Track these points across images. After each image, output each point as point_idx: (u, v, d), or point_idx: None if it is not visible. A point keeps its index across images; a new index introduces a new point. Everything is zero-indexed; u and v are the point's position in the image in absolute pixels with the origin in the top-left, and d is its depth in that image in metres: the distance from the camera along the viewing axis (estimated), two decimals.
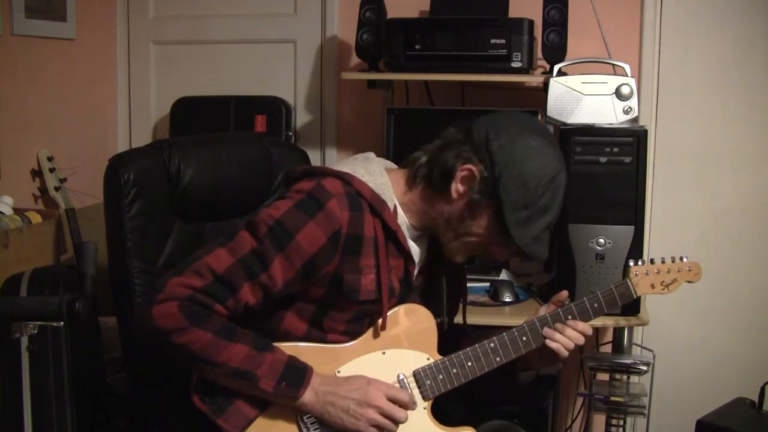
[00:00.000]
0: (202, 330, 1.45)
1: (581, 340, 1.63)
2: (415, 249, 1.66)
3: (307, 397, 1.50)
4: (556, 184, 1.54)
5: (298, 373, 1.50)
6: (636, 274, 1.67)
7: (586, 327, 1.64)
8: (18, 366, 2.09)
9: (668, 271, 1.69)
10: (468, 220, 1.56)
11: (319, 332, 1.59)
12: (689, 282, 1.71)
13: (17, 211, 2.57)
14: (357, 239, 1.54)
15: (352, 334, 1.60)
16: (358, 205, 1.55)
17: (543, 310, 1.68)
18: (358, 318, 1.59)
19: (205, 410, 1.51)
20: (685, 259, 1.70)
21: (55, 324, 2.03)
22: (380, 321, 1.61)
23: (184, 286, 1.46)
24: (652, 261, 1.69)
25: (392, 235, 1.58)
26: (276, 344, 1.57)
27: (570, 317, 1.64)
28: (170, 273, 1.50)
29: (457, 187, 1.55)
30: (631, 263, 1.69)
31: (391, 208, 1.59)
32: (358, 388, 1.52)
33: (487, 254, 1.64)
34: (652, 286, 1.68)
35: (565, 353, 1.63)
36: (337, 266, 1.54)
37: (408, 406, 1.55)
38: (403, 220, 1.62)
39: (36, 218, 2.55)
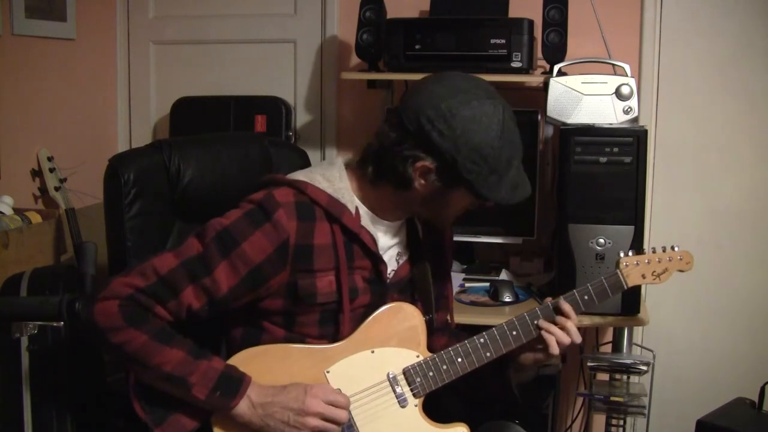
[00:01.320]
0: (137, 331, 1.45)
1: (576, 335, 1.62)
2: (391, 243, 1.66)
3: (243, 408, 1.49)
4: (508, 133, 1.50)
5: (233, 384, 1.49)
6: (626, 265, 1.68)
7: (569, 309, 1.63)
8: (18, 366, 2.09)
9: (659, 261, 1.69)
10: (443, 199, 1.56)
11: (296, 337, 1.59)
12: (681, 271, 1.71)
13: (17, 211, 2.57)
14: (307, 248, 1.54)
15: (329, 337, 1.60)
16: (309, 214, 1.55)
17: None
18: (326, 320, 1.59)
19: (145, 418, 1.51)
20: (676, 248, 1.71)
21: (55, 324, 2.04)
22: (367, 321, 1.61)
23: (127, 285, 1.47)
24: (643, 251, 1.70)
25: (355, 238, 1.58)
26: (266, 346, 1.57)
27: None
28: (118, 274, 1.51)
29: (419, 182, 1.54)
30: (621, 254, 1.69)
31: (353, 211, 1.58)
32: (295, 398, 1.50)
33: (474, 209, 1.62)
34: (643, 276, 1.69)
35: (555, 347, 1.61)
36: (290, 276, 1.54)
37: (346, 408, 1.54)
38: (370, 218, 1.62)
39: (36, 218, 2.55)
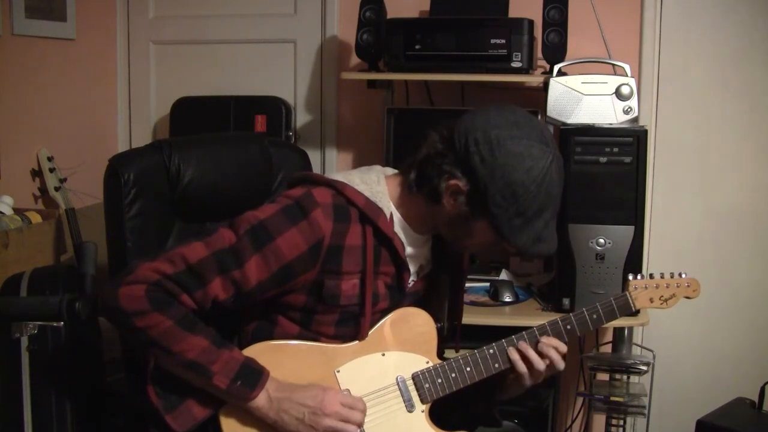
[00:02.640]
0: (162, 315, 1.44)
1: (560, 363, 1.61)
2: (415, 254, 1.65)
3: (261, 400, 1.49)
4: (548, 182, 1.48)
5: (253, 374, 1.49)
6: (635, 288, 1.68)
7: (560, 343, 1.62)
8: (18, 366, 2.09)
9: (667, 286, 1.70)
10: (467, 225, 1.55)
11: (310, 334, 1.59)
12: (687, 298, 1.72)
13: (17, 211, 2.57)
14: (338, 249, 1.54)
15: (343, 338, 1.60)
16: (345, 215, 1.55)
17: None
18: (345, 321, 1.59)
19: (157, 404, 1.50)
20: (684, 275, 1.71)
21: (55, 324, 2.04)
22: (380, 324, 1.61)
23: (155, 271, 1.46)
24: (651, 276, 1.70)
25: (387, 242, 1.58)
26: (278, 342, 1.58)
27: (569, 326, 1.64)
28: (144, 258, 1.50)
29: (448, 200, 1.54)
30: (630, 277, 1.69)
31: (388, 216, 1.58)
32: (313, 396, 1.50)
33: (495, 250, 1.62)
34: (651, 300, 1.70)
35: (526, 373, 1.60)
36: (318, 274, 1.54)
37: (363, 411, 1.54)
38: (401, 226, 1.62)
39: (36, 218, 2.55)
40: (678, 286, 1.71)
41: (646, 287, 1.69)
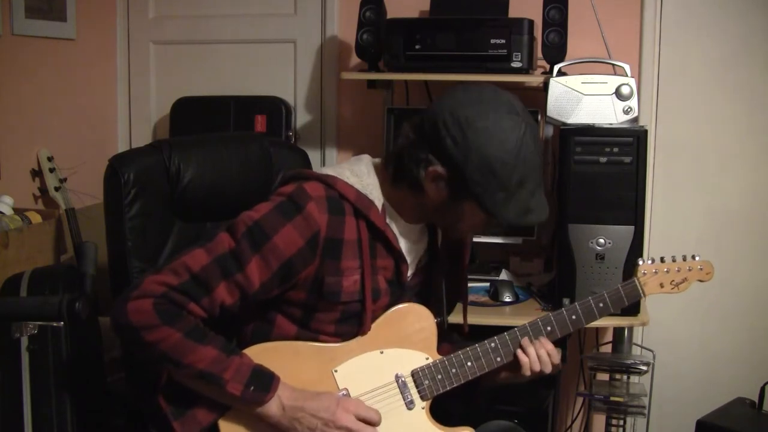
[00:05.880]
0: (172, 329, 1.44)
1: (548, 366, 1.62)
2: (409, 246, 1.65)
3: (273, 407, 1.49)
4: (524, 152, 1.47)
5: (265, 379, 1.49)
6: (644, 273, 1.63)
7: (554, 351, 1.62)
8: (18, 366, 2.09)
9: (678, 270, 1.64)
10: (455, 209, 1.55)
11: (309, 333, 1.59)
12: (701, 281, 1.65)
13: (17, 211, 2.57)
14: (337, 242, 1.54)
15: (344, 336, 1.60)
16: (339, 208, 1.55)
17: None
18: (346, 319, 1.59)
19: (166, 411, 1.52)
20: (697, 258, 1.65)
21: (55, 324, 2.04)
22: (377, 321, 1.61)
23: (160, 283, 1.46)
24: (662, 259, 1.64)
25: (380, 235, 1.58)
26: (275, 343, 1.58)
27: (574, 317, 1.63)
28: (149, 272, 1.51)
29: (430, 187, 1.53)
30: (640, 261, 1.63)
31: (379, 208, 1.58)
32: (326, 408, 1.50)
33: (489, 227, 1.60)
34: (662, 285, 1.63)
35: (528, 372, 1.61)
36: (317, 269, 1.54)
37: (377, 424, 1.54)
38: (394, 217, 1.61)
39: (36, 218, 2.55)
40: (690, 270, 1.64)
41: (656, 272, 1.62)
